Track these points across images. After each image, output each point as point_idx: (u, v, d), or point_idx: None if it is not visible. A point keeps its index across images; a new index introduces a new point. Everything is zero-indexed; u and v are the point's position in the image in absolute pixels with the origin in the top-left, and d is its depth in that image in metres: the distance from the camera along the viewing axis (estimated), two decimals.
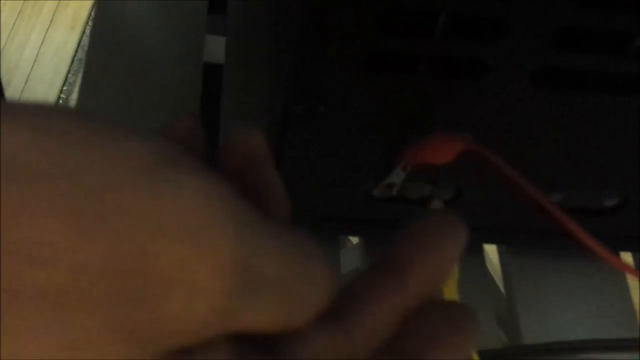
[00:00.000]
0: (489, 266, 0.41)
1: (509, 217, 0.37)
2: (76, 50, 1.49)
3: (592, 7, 0.24)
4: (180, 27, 0.45)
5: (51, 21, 1.50)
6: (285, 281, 0.15)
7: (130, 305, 0.13)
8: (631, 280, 0.40)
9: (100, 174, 0.13)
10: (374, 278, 0.18)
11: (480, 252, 0.39)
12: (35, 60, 1.47)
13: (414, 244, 0.18)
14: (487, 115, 0.28)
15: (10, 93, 1.41)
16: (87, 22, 1.50)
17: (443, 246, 0.18)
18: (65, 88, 1.46)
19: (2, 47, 1.33)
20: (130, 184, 0.13)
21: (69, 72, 1.48)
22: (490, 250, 0.42)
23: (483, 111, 0.28)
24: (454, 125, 0.28)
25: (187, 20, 0.46)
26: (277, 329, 0.16)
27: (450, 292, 0.31)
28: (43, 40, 1.48)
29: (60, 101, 1.43)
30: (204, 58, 0.45)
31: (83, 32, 1.50)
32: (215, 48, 0.46)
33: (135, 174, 0.13)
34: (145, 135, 0.14)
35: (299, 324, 0.16)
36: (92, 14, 0.40)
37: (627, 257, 0.42)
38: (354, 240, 0.45)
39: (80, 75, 1.46)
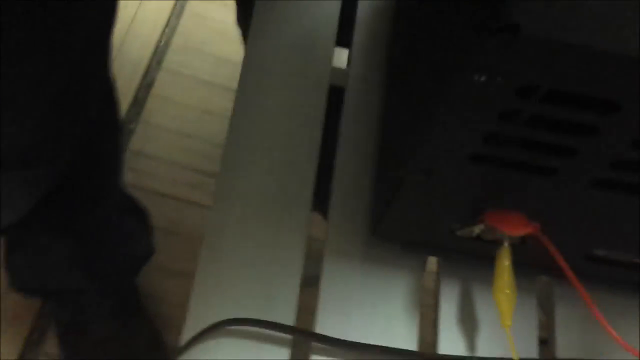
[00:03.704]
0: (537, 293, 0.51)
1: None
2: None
3: None
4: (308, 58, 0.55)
5: None
6: None
7: None
8: None
9: None
10: None
11: (533, 277, 0.49)
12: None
13: None
14: (552, 202, 0.38)
15: None
16: None
17: None
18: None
19: None
20: None
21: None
22: None
23: (551, 199, 0.38)
24: (527, 204, 0.38)
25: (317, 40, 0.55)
26: None
27: (506, 319, 0.42)
28: None
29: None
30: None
31: None
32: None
33: None
34: None
35: None
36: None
37: None
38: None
39: None
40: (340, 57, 0.59)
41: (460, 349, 0.46)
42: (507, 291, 0.42)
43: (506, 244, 0.43)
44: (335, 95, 0.57)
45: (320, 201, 0.51)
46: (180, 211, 1.36)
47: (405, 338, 0.46)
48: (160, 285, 1.26)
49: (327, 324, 0.45)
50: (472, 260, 0.47)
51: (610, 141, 0.33)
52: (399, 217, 0.44)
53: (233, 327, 0.44)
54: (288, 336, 0.44)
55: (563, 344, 0.48)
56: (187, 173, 1.40)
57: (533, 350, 0.47)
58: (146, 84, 1.50)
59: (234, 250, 0.47)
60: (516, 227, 0.37)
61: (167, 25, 1.58)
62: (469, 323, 0.47)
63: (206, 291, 0.45)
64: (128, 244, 1.08)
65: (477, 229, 0.42)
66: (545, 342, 0.49)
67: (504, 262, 0.43)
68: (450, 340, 0.46)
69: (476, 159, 0.36)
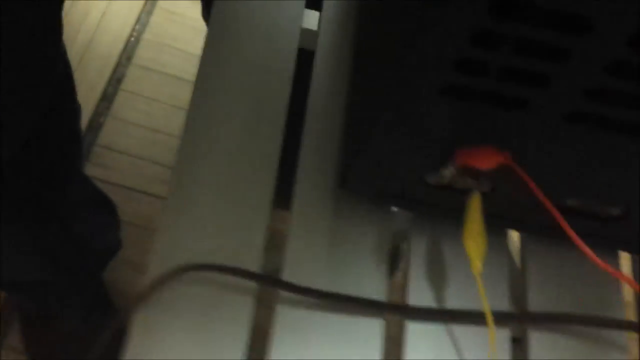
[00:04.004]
0: (510, 249, 0.50)
1: (531, 213, 0.46)
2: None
3: (614, 74, 0.32)
4: (278, 16, 0.55)
5: None
6: None
7: None
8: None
9: None
10: None
11: (505, 235, 0.49)
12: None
13: None
14: (525, 137, 0.37)
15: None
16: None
17: None
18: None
19: None
20: None
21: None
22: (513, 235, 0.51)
23: (522, 133, 0.37)
24: (499, 140, 0.38)
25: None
26: None
27: (476, 264, 0.41)
28: None
29: (132, 39, 1.53)
30: (299, 44, 0.54)
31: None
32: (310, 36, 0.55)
33: None
34: None
35: None
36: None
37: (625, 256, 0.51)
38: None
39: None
40: (311, 19, 0.58)
41: (429, 301, 0.45)
42: (477, 237, 0.41)
43: (477, 192, 0.43)
44: (305, 58, 0.56)
45: (288, 158, 0.50)
46: (148, 206, 1.34)
47: (375, 289, 0.45)
48: (127, 279, 1.24)
49: (293, 276, 0.44)
50: (443, 214, 0.47)
51: (583, 65, 0.32)
52: (368, 164, 0.43)
53: (195, 273, 0.42)
54: (253, 284, 0.43)
55: (534, 298, 0.47)
56: (156, 168, 1.38)
57: (504, 304, 0.46)
58: (116, 79, 1.48)
59: (199, 198, 0.45)
60: (487, 160, 0.37)
61: (138, 21, 1.57)
62: (439, 275, 0.46)
63: (169, 239, 0.44)
64: (96, 237, 1.06)
65: (447, 172, 0.41)
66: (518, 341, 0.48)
67: (474, 209, 0.42)
68: (420, 292, 0.45)
69: (447, 91, 0.35)
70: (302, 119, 0.52)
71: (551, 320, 0.45)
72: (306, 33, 0.56)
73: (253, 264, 0.44)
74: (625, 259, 0.51)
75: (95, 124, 1.41)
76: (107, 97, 1.45)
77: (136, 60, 1.52)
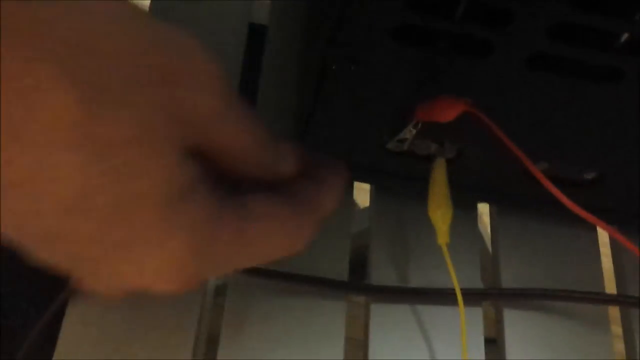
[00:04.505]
0: (480, 225, 0.47)
1: (501, 181, 0.43)
2: None
3: (580, 7, 0.29)
4: None
5: None
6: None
7: (162, 93, 0.19)
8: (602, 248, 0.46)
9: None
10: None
11: (475, 209, 0.46)
12: None
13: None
14: (488, 88, 0.34)
15: None
16: None
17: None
18: None
19: None
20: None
21: None
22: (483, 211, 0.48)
23: (485, 85, 0.34)
24: (460, 93, 0.34)
25: None
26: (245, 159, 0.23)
27: (443, 233, 0.38)
28: None
29: None
30: (250, 18, 0.51)
31: None
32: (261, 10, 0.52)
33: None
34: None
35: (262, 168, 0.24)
36: None
37: None
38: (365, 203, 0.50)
39: None
40: None
41: (393, 280, 0.42)
42: (443, 205, 0.38)
43: (441, 158, 0.40)
44: (257, 34, 0.53)
45: None
46: None
47: (337, 269, 0.41)
48: None
49: None
50: (405, 185, 0.43)
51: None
52: (322, 130, 0.40)
53: None
54: None
55: (506, 274, 0.44)
56: None
57: (476, 284, 0.43)
58: None
59: None
60: (447, 110, 0.33)
61: None
62: (402, 252, 0.43)
63: None
64: None
65: (408, 134, 0.37)
66: (493, 341, 0.45)
67: (439, 176, 0.39)
68: (383, 271, 0.42)
69: (400, 35, 0.32)
70: (255, 93, 0.48)
71: (527, 297, 0.42)
72: (258, 6, 0.53)
73: None
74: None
75: None
76: None
77: None
